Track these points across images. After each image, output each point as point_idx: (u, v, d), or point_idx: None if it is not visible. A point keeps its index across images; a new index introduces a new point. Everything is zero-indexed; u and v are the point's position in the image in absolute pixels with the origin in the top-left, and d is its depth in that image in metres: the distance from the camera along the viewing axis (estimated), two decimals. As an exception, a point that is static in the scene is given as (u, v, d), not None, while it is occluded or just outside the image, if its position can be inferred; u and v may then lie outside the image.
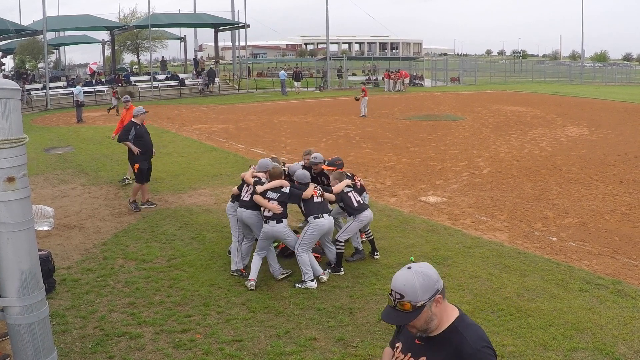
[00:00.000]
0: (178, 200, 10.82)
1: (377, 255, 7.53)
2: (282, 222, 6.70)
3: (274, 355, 5.14)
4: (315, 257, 7.19)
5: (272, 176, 6.94)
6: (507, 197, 10.73)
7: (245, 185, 7.07)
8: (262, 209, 6.79)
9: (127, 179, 11.94)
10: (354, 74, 51.54)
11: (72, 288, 6.65)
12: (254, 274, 6.66)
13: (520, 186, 11.57)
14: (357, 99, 25.53)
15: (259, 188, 6.75)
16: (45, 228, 8.81)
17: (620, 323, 5.60)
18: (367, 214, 7.24)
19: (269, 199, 6.70)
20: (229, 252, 7.59)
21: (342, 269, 7.07)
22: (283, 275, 6.89)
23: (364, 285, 6.66)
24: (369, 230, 7.61)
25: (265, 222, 6.70)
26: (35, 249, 4.03)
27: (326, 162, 7.85)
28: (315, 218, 6.76)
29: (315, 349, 5.25)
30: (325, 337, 5.48)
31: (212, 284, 6.76)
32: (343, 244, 7.14)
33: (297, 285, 6.66)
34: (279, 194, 6.74)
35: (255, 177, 7.02)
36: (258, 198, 6.74)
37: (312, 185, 7.02)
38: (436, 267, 7.30)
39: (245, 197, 6.98)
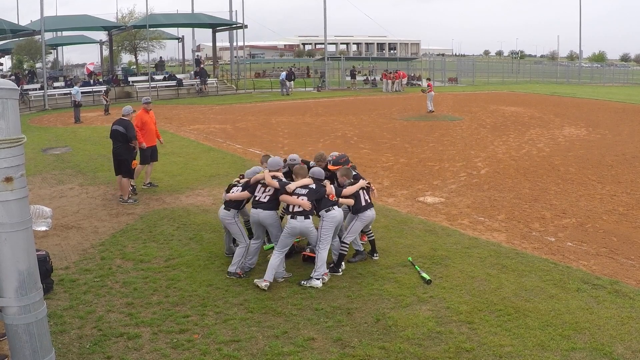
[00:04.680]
0: (176, 200, 10.82)
1: (376, 256, 7.54)
2: (309, 218, 6.74)
3: (272, 356, 5.14)
4: (311, 257, 7.20)
5: (298, 174, 7.01)
6: (504, 197, 10.75)
7: (261, 186, 7.01)
8: (289, 206, 6.80)
9: (151, 183, 12.00)
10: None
11: (70, 288, 6.64)
12: (269, 276, 6.61)
13: (518, 186, 11.59)
14: (423, 92, 27.62)
15: (291, 186, 6.77)
16: (43, 228, 8.76)
17: (618, 323, 5.61)
18: (370, 213, 7.24)
19: (298, 196, 6.73)
20: (227, 254, 7.58)
21: (340, 269, 7.07)
22: (283, 279, 6.88)
23: (362, 286, 6.66)
24: (371, 231, 7.62)
25: (293, 217, 6.70)
26: (33, 249, 4.02)
27: (331, 162, 7.80)
28: (327, 211, 6.81)
29: (313, 349, 5.25)
30: (323, 337, 5.48)
31: (210, 284, 6.76)
32: (347, 245, 7.15)
33: (302, 282, 6.68)
34: (307, 190, 6.79)
35: (275, 177, 7.00)
36: (286, 197, 6.76)
37: (328, 182, 7.08)
38: (434, 267, 7.33)
39: (263, 198, 6.94)
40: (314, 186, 6.84)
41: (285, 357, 5.13)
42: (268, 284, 6.57)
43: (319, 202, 6.88)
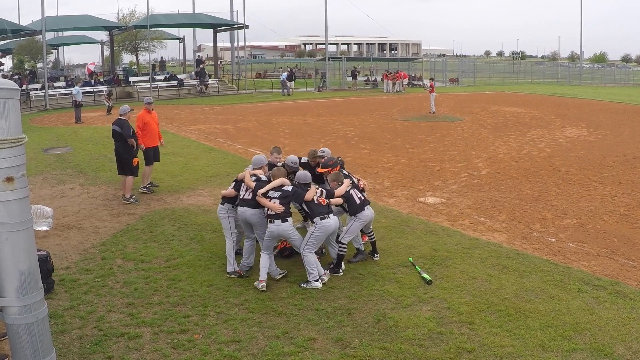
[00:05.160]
0: (177, 200, 10.82)
1: (377, 256, 7.53)
2: (287, 220, 6.70)
3: (273, 356, 5.14)
4: None
5: (275, 176, 6.93)
6: (505, 198, 10.74)
7: (244, 184, 7.05)
8: (266, 208, 6.78)
9: (151, 184, 11.84)
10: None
11: (71, 288, 6.65)
12: (263, 275, 6.65)
13: (519, 187, 11.58)
14: (424, 87, 28.38)
15: (261, 190, 6.74)
16: (44, 228, 8.78)
17: (618, 324, 5.61)
18: (368, 212, 7.23)
19: (270, 198, 6.70)
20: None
21: (340, 270, 7.06)
22: (280, 275, 6.89)
23: (363, 286, 6.66)
24: (372, 233, 7.61)
25: (270, 221, 6.69)
26: (34, 249, 4.03)
27: (320, 164, 7.80)
28: (321, 219, 6.75)
29: (313, 350, 5.25)
30: (323, 337, 5.48)
31: (211, 284, 6.76)
32: (345, 245, 7.14)
33: (302, 285, 6.66)
34: (280, 192, 6.74)
35: (253, 175, 7.00)
36: (260, 199, 6.74)
37: (313, 187, 7.02)
38: (435, 268, 7.33)
39: (247, 195, 6.94)
40: (289, 189, 6.79)
41: (286, 358, 5.13)
42: (265, 284, 6.58)
43: (311, 208, 6.83)
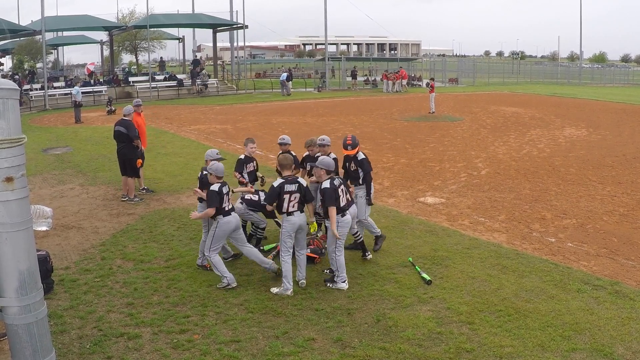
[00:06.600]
0: (176, 200, 10.82)
1: (368, 255, 7.48)
2: (303, 211, 6.70)
3: (272, 356, 5.14)
4: (311, 257, 7.18)
5: (280, 163, 6.77)
6: (505, 198, 10.74)
7: (226, 196, 6.78)
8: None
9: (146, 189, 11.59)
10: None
11: (70, 288, 6.65)
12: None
13: (519, 187, 11.59)
14: (427, 84, 29.41)
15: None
16: (44, 228, 8.80)
17: (618, 324, 5.61)
18: (351, 210, 7.00)
19: (291, 193, 6.56)
20: (225, 258, 7.37)
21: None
22: (274, 273, 6.88)
23: (362, 286, 6.66)
24: (358, 233, 7.48)
25: (290, 214, 6.54)
26: (34, 249, 4.03)
27: (348, 147, 7.58)
28: (342, 216, 6.71)
29: (313, 350, 5.25)
30: (323, 337, 5.48)
31: (211, 284, 6.76)
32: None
33: (328, 284, 6.65)
34: (297, 184, 6.65)
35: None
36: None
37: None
38: (434, 268, 7.31)
39: (228, 206, 6.80)
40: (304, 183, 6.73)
41: (286, 358, 5.13)
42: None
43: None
